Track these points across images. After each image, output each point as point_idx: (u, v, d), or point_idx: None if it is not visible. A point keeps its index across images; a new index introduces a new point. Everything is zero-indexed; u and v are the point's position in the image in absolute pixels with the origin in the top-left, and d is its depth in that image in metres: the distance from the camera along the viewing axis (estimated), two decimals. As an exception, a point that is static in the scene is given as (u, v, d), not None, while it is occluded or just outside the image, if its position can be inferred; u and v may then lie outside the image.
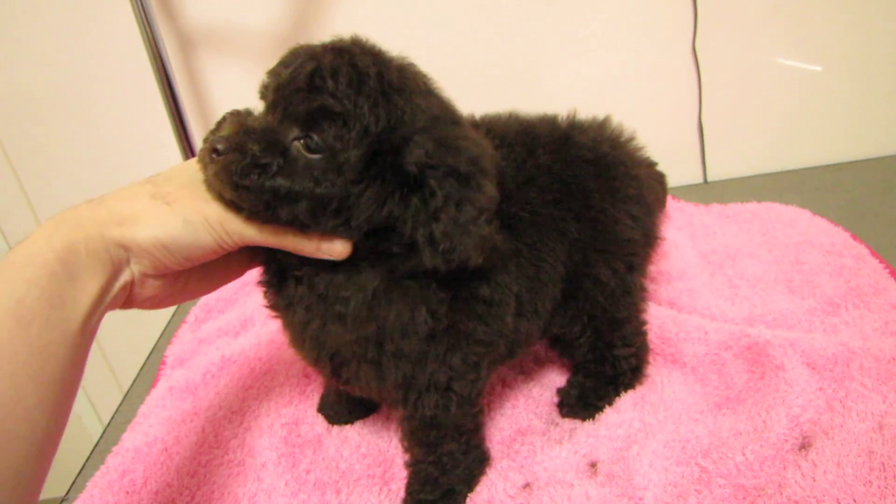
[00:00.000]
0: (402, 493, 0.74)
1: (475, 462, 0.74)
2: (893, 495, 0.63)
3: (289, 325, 0.68)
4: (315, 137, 0.55)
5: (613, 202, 0.75)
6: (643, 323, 0.84)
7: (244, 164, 0.53)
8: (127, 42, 1.12)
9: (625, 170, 0.77)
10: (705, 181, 1.37)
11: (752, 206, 1.19)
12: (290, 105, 0.55)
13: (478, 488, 0.74)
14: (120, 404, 1.00)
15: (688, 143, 1.35)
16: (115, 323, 1.42)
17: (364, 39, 0.59)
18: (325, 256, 0.60)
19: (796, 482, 0.66)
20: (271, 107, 0.57)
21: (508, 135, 0.73)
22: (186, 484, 0.78)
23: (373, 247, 0.60)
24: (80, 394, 1.53)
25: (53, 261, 0.51)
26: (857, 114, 1.34)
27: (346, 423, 0.85)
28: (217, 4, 1.16)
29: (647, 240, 0.81)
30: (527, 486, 0.73)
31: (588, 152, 0.75)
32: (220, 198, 0.57)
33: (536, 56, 1.26)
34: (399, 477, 0.77)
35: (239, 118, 0.58)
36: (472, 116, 0.75)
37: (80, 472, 0.88)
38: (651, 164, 0.86)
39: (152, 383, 0.99)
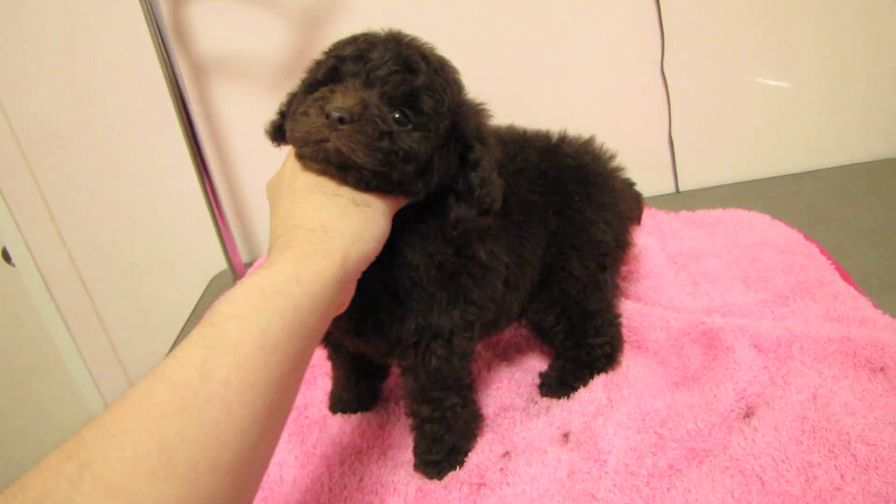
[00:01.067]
0: (398, 458, 0.84)
1: (472, 417, 0.85)
2: (819, 450, 0.73)
3: None
4: (406, 112, 0.64)
5: (590, 205, 0.88)
6: (616, 316, 0.95)
7: (380, 130, 0.61)
8: (145, 72, 1.23)
9: (602, 180, 0.90)
10: (677, 191, 1.48)
11: (717, 212, 1.30)
12: (387, 84, 0.64)
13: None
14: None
15: (660, 156, 1.46)
16: (132, 330, 1.53)
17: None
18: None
19: (739, 444, 0.76)
20: (365, 84, 0.64)
21: (504, 135, 0.87)
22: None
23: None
24: (98, 398, 1.63)
25: (300, 294, 0.54)
26: (818, 126, 1.45)
27: (353, 412, 0.94)
28: (227, 35, 1.28)
29: (619, 244, 0.94)
30: (506, 453, 0.83)
31: (571, 160, 0.89)
32: (340, 159, 0.62)
33: (519, 81, 1.37)
34: (395, 446, 0.87)
35: (346, 90, 0.63)
36: None
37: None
38: (630, 184, 0.98)
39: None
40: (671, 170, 1.47)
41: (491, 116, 0.76)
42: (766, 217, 1.25)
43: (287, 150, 0.72)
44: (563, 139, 0.91)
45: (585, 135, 0.94)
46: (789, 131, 1.45)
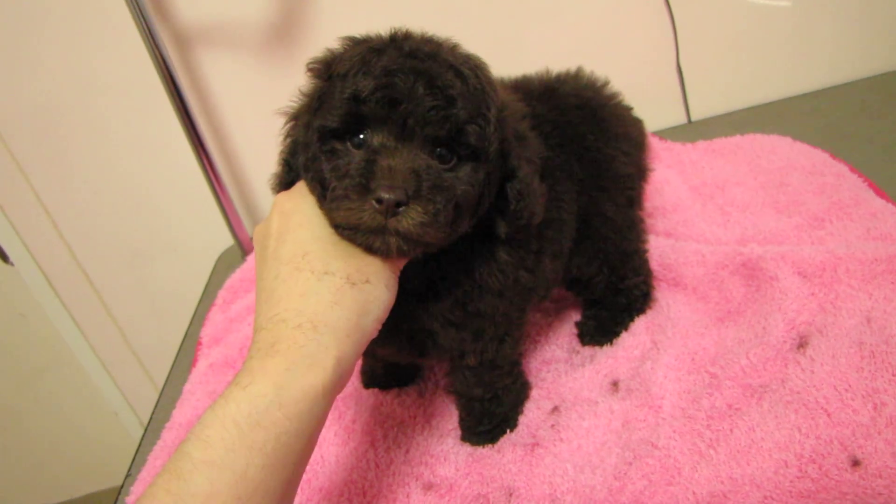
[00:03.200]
0: (443, 427, 0.82)
1: (522, 388, 0.82)
2: (882, 378, 0.71)
3: None
4: (459, 143, 0.56)
5: (606, 141, 0.83)
6: (646, 251, 0.91)
7: (443, 204, 0.54)
8: (127, 45, 1.16)
9: (609, 111, 0.85)
10: (689, 121, 1.43)
11: (736, 138, 1.25)
12: (429, 125, 0.54)
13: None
14: (160, 395, 1.06)
15: (669, 87, 1.40)
16: (142, 318, 1.49)
17: (415, 33, 0.60)
18: None
19: (797, 376, 0.73)
20: (406, 135, 0.55)
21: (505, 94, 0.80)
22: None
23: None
24: (117, 395, 1.61)
25: (283, 420, 0.48)
26: (831, 41, 1.39)
27: (388, 387, 0.90)
28: (208, 1, 1.21)
29: (640, 173, 0.89)
30: (555, 409, 0.80)
31: (574, 98, 0.83)
32: (409, 241, 0.54)
33: (514, 17, 1.30)
34: (438, 413, 0.84)
35: (390, 160, 0.54)
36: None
37: (137, 450, 0.95)
38: (627, 108, 0.92)
39: (189, 368, 1.05)
40: (682, 100, 1.41)
41: (522, 105, 0.68)
42: (788, 139, 1.21)
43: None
44: (558, 80, 0.85)
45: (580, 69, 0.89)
46: (799, 49, 1.39)
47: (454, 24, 1.28)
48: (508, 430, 0.79)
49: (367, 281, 0.55)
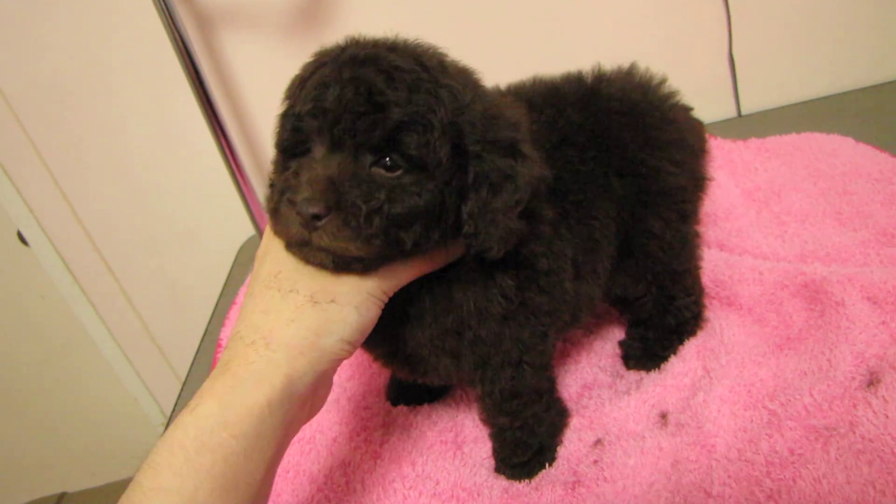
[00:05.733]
0: (476, 455, 0.76)
1: (557, 416, 0.76)
2: (970, 425, 0.64)
3: None
4: (392, 157, 0.53)
5: (652, 151, 0.74)
6: (699, 268, 0.84)
7: (364, 214, 0.51)
8: (146, 25, 1.10)
9: (660, 115, 0.76)
10: (739, 115, 1.34)
11: (792, 137, 1.17)
12: (359, 134, 0.52)
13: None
14: (181, 390, 1.02)
15: (719, 77, 1.31)
16: (162, 306, 1.45)
17: (360, 36, 0.57)
18: (452, 259, 0.61)
19: (868, 420, 0.67)
20: (335, 144, 0.53)
21: (535, 98, 0.73)
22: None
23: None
24: (137, 381, 1.58)
25: (229, 440, 0.47)
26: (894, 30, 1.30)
27: (417, 404, 0.85)
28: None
29: (696, 183, 0.80)
30: (598, 441, 0.74)
31: (618, 103, 0.74)
32: (336, 257, 0.53)
33: (555, 3, 1.22)
34: (471, 439, 0.78)
35: (308, 174, 0.53)
36: (498, 87, 0.74)
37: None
38: (687, 109, 0.83)
39: (211, 365, 1.01)
40: (732, 91, 1.32)
41: (515, 112, 0.60)
42: (850, 140, 1.12)
43: None
44: (599, 79, 0.76)
45: (627, 61, 0.79)
46: (865, 38, 1.29)
47: (494, 9, 1.21)
48: (547, 465, 0.73)
49: (333, 301, 0.54)
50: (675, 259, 0.78)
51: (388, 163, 0.53)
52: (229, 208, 1.30)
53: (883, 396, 0.68)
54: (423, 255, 0.59)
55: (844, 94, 1.31)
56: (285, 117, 0.57)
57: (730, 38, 1.26)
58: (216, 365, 0.53)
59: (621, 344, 0.86)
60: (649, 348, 0.83)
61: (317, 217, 0.50)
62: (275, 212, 0.54)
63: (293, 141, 0.56)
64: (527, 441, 0.72)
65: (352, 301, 0.55)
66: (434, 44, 0.59)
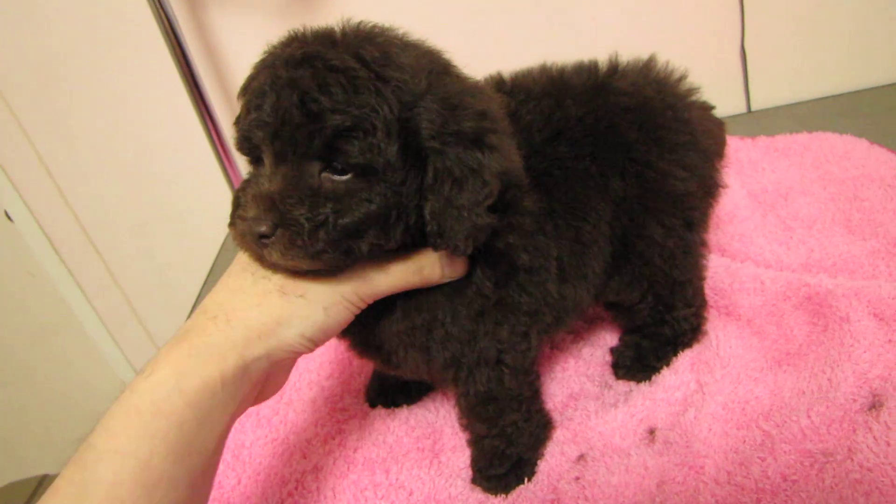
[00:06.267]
0: (453, 464, 0.73)
1: (539, 427, 0.72)
2: (976, 457, 0.60)
3: None
4: (339, 161, 0.51)
5: (660, 153, 0.69)
6: (702, 279, 0.79)
7: (308, 231, 0.49)
8: (134, 4, 1.06)
9: (673, 114, 0.70)
10: (749, 110, 1.29)
11: (803, 136, 1.12)
12: (299, 145, 0.50)
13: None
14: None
15: (729, 70, 1.26)
16: (150, 288, 1.42)
17: (305, 29, 0.54)
18: (449, 279, 0.59)
19: (868, 447, 0.63)
20: (278, 158, 0.51)
21: (535, 88, 0.68)
22: (231, 466, 0.77)
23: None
24: (121, 358, 1.55)
25: (184, 408, 0.47)
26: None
27: (396, 405, 0.82)
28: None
29: (706, 190, 0.75)
30: (581, 457, 0.71)
31: (628, 99, 0.69)
32: (291, 271, 0.53)
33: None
34: (449, 447, 0.75)
35: (254, 190, 0.52)
36: (499, 74, 0.70)
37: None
38: (707, 108, 0.78)
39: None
40: (742, 86, 1.27)
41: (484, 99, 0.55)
42: (864, 142, 1.07)
43: None
44: (612, 71, 0.71)
45: (643, 52, 0.73)
46: (883, 33, 1.23)
47: (499, 7, 1.16)
48: (526, 480, 0.69)
49: (302, 296, 0.54)
50: (675, 268, 0.73)
51: (337, 167, 0.51)
52: (218, 193, 1.27)
53: (885, 422, 0.64)
54: (406, 264, 0.57)
55: (861, 91, 1.26)
56: (236, 123, 0.55)
57: (742, 30, 1.21)
58: (176, 334, 0.53)
59: (613, 351, 0.83)
60: (642, 358, 0.79)
61: (264, 236, 0.50)
62: (232, 226, 0.54)
63: (247, 149, 0.55)
64: (504, 451, 0.68)
65: (322, 301, 0.54)
66: (392, 26, 0.55)
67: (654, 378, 0.77)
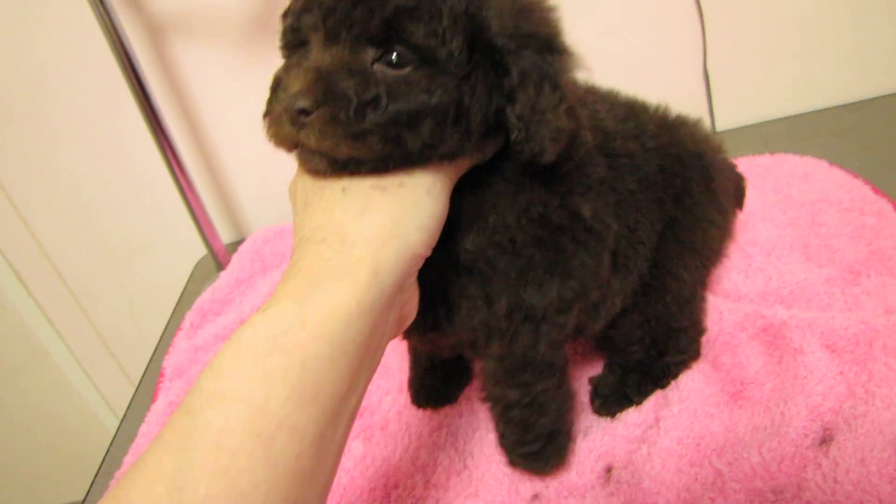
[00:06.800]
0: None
1: (566, 397, 0.71)
2: (922, 494, 0.60)
3: None
4: (397, 49, 0.47)
5: (710, 201, 0.73)
6: (700, 333, 0.80)
7: (355, 107, 0.45)
8: (91, 35, 1.05)
9: (719, 165, 0.76)
10: (714, 131, 1.29)
11: (765, 159, 1.12)
12: (355, 24, 0.46)
13: (490, 499, 0.71)
14: (121, 421, 0.98)
15: (693, 91, 1.26)
16: (120, 320, 1.41)
17: None
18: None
19: (816, 484, 0.63)
20: (330, 37, 0.47)
21: (605, 97, 0.71)
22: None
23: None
24: (93, 391, 1.54)
25: (309, 342, 0.40)
26: (878, 45, 1.24)
27: (430, 406, 0.82)
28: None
29: (720, 251, 0.80)
30: (536, 496, 0.70)
31: (692, 144, 0.73)
32: (330, 159, 0.48)
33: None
34: (407, 485, 0.74)
35: (301, 68, 0.47)
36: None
37: (84, 499, 0.87)
38: (732, 166, 0.83)
39: (153, 396, 0.97)
40: (706, 106, 1.27)
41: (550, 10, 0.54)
42: (823, 163, 1.07)
43: None
44: (680, 120, 0.75)
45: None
46: (844, 52, 1.24)
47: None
48: (566, 448, 0.71)
49: (401, 185, 0.48)
50: (677, 313, 0.75)
51: (394, 59, 0.47)
52: (181, 225, 1.26)
53: (834, 458, 0.64)
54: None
55: (823, 111, 1.26)
56: (284, 16, 0.52)
57: (704, 52, 1.21)
58: (285, 273, 0.46)
59: (592, 380, 0.81)
60: (623, 389, 0.77)
61: (304, 112, 0.45)
62: (267, 112, 0.49)
63: (293, 41, 0.51)
64: (536, 422, 0.67)
65: (422, 183, 0.49)
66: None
67: (618, 415, 0.77)
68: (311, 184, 0.51)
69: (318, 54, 0.48)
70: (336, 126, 0.45)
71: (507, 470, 0.73)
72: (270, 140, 0.49)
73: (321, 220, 0.47)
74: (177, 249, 1.34)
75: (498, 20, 0.49)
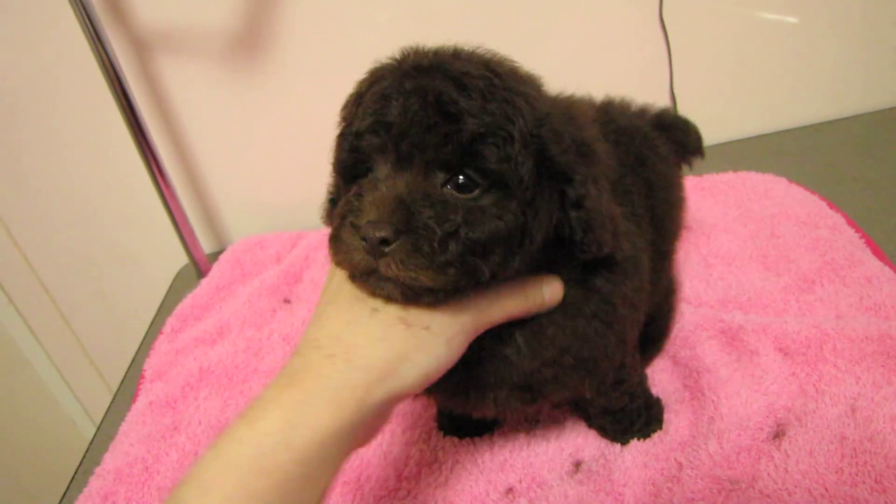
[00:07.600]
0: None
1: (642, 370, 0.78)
2: (864, 482, 0.64)
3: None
4: (468, 174, 0.47)
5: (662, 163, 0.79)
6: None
7: (439, 239, 0.45)
8: (75, 49, 1.09)
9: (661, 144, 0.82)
10: (681, 150, 1.35)
11: (728, 176, 1.18)
12: (429, 149, 0.46)
13: (459, 488, 0.73)
14: (101, 422, 1.00)
15: (661, 112, 1.32)
16: (101, 328, 1.42)
17: (421, 46, 0.52)
18: (549, 306, 0.56)
19: (768, 474, 0.67)
20: (400, 163, 0.47)
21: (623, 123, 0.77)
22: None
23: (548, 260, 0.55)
24: (72, 399, 1.54)
25: (289, 465, 0.43)
26: (835, 69, 1.31)
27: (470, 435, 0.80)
28: (168, 4, 1.12)
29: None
30: (510, 490, 0.73)
31: (624, 119, 0.79)
32: (404, 288, 0.47)
33: (503, 34, 1.22)
34: (380, 477, 0.76)
35: (375, 193, 0.47)
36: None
37: (63, 496, 0.88)
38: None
39: (133, 398, 0.99)
40: (674, 127, 1.33)
41: (583, 115, 0.57)
42: (783, 181, 1.13)
43: None
44: (607, 100, 0.82)
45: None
46: (804, 76, 1.31)
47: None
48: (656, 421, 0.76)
49: (427, 328, 0.48)
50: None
51: (462, 181, 0.47)
52: (165, 233, 1.28)
53: (786, 451, 0.68)
54: (515, 292, 0.54)
55: (784, 132, 1.33)
56: (342, 137, 0.52)
57: (671, 74, 1.27)
58: (282, 371, 0.48)
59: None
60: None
61: (384, 242, 0.44)
62: (335, 238, 0.48)
63: (352, 162, 0.51)
64: (634, 408, 0.74)
65: (445, 332, 0.49)
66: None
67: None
68: (348, 289, 0.51)
69: (390, 180, 0.48)
70: (420, 257, 0.45)
71: (479, 464, 0.76)
72: (338, 265, 0.49)
73: (340, 331, 0.49)
74: (159, 259, 1.36)
75: (555, 136, 0.50)
